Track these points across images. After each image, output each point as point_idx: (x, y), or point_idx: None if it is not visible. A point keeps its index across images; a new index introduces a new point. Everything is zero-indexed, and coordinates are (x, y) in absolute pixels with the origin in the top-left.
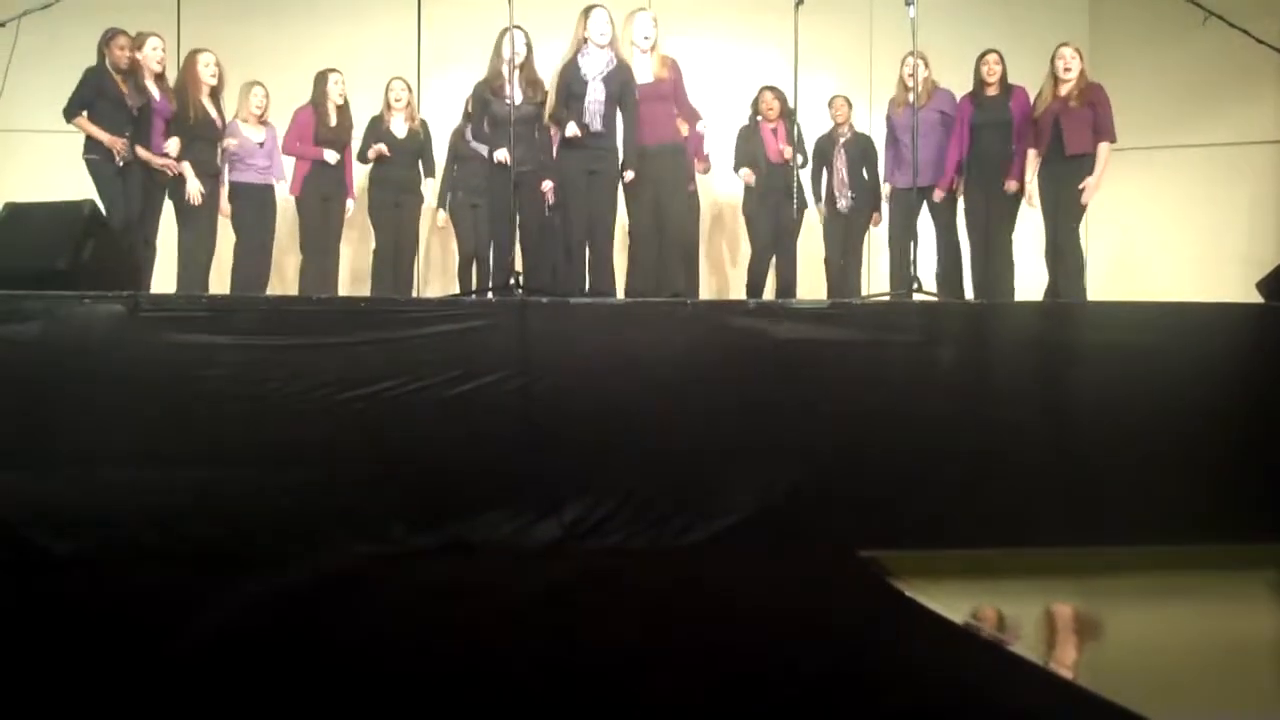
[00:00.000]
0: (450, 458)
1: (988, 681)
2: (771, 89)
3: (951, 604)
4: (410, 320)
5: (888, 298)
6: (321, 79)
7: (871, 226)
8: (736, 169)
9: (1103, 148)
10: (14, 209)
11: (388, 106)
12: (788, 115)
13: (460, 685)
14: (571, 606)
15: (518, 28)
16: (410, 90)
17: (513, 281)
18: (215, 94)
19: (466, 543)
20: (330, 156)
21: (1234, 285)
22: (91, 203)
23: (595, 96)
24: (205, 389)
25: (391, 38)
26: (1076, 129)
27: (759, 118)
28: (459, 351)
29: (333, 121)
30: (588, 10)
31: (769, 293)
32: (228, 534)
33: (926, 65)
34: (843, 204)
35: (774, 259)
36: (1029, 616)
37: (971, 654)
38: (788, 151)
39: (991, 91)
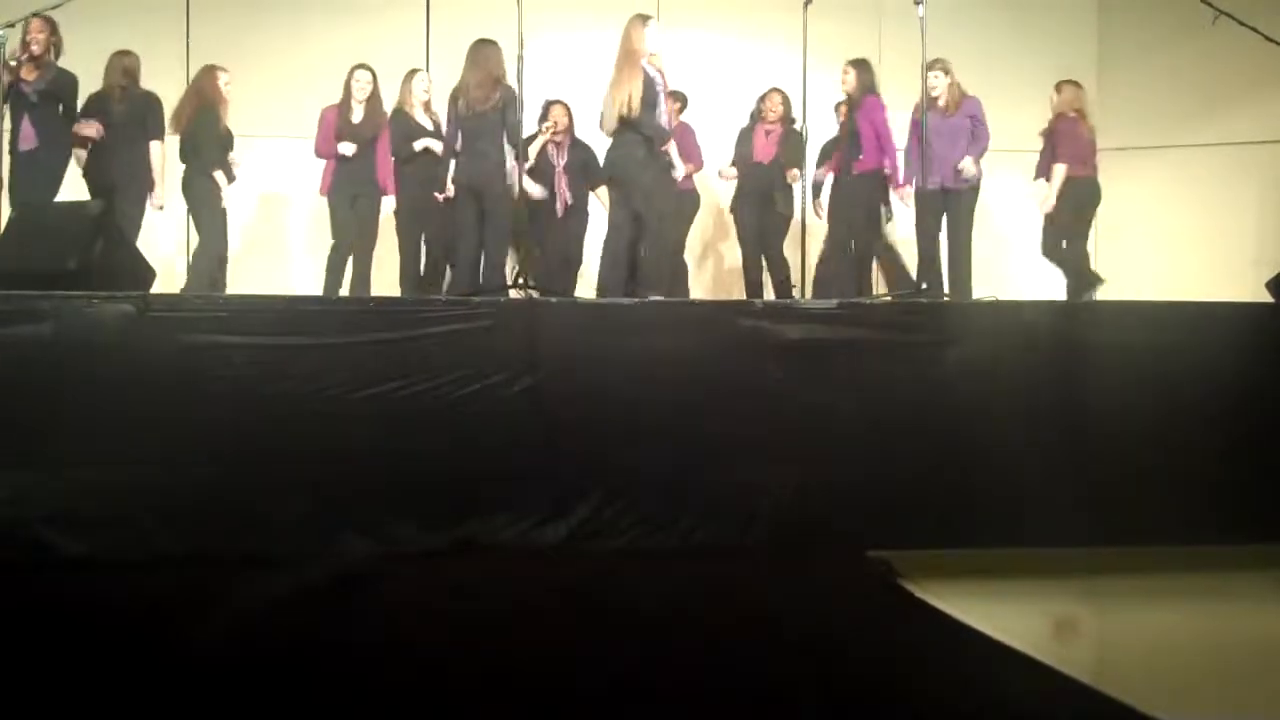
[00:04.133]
0: (459, 458)
1: (997, 681)
2: (779, 90)
3: (961, 604)
4: (419, 320)
5: (896, 297)
6: (349, 76)
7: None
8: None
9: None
10: (24, 209)
11: (412, 99)
12: (787, 120)
13: (468, 684)
14: (579, 607)
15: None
16: (431, 83)
17: (521, 281)
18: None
19: (475, 543)
20: (345, 149)
21: (1243, 284)
22: (101, 202)
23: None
24: (215, 389)
25: (400, 39)
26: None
27: (760, 118)
28: (467, 351)
29: (356, 117)
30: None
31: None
32: (238, 534)
33: (950, 74)
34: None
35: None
36: (1038, 615)
37: (981, 654)
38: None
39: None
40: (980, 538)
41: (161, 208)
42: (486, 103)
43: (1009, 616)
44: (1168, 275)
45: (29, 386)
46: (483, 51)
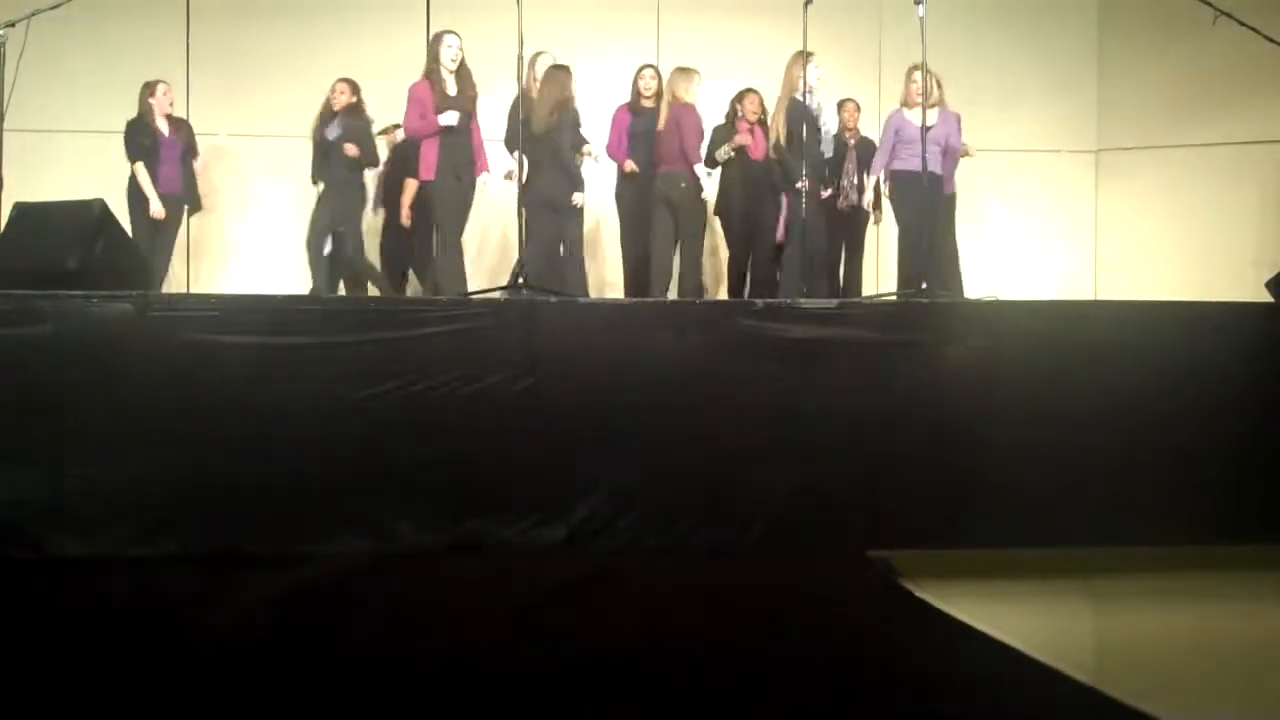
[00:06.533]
0: (458, 457)
1: (997, 681)
2: (755, 91)
3: (961, 604)
4: (418, 319)
5: (894, 297)
6: (434, 43)
7: (874, 225)
8: (708, 163)
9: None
10: (24, 209)
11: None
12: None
13: (467, 683)
14: (579, 606)
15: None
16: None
17: (520, 280)
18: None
19: (474, 542)
20: (448, 118)
21: (1243, 284)
22: (101, 202)
23: None
24: (215, 388)
25: (400, 40)
26: None
27: (740, 118)
28: (467, 351)
29: (450, 89)
30: None
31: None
32: (237, 533)
33: (939, 85)
34: (845, 204)
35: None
36: (1038, 615)
37: (981, 653)
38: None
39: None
40: (980, 538)
41: (157, 216)
42: (550, 123)
43: (1009, 616)
44: (1168, 275)
45: (29, 386)
46: (556, 77)
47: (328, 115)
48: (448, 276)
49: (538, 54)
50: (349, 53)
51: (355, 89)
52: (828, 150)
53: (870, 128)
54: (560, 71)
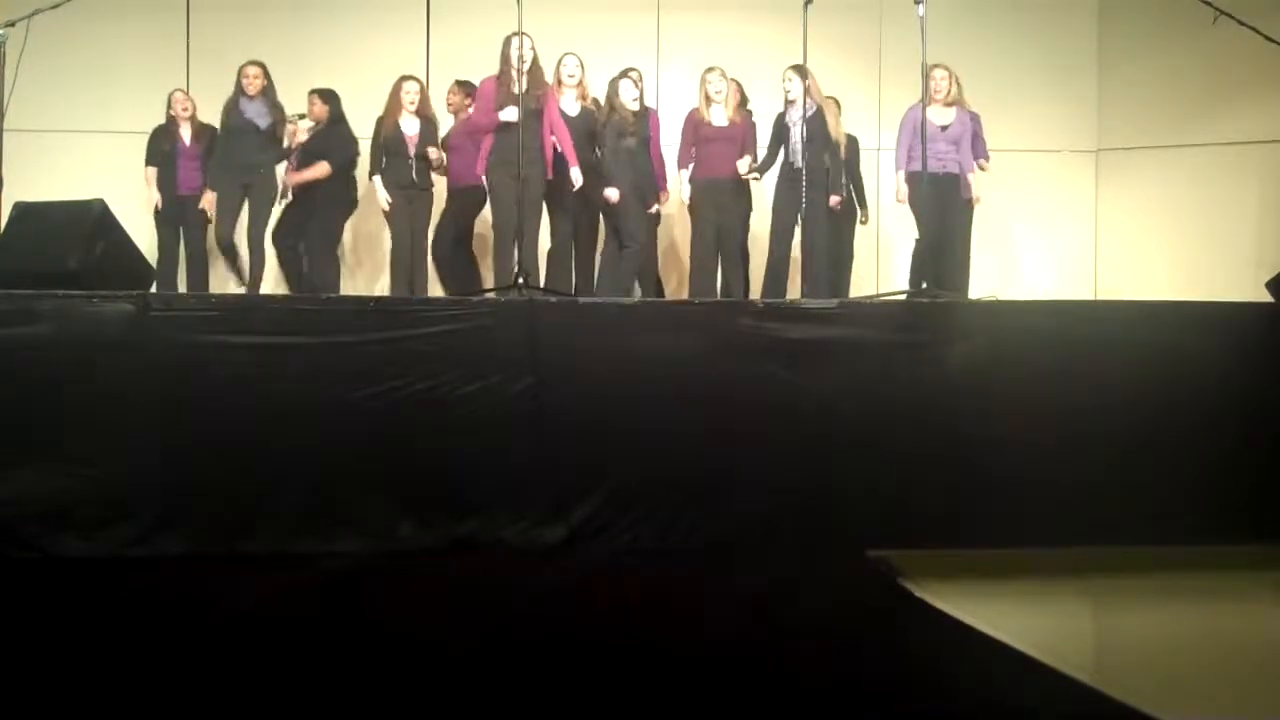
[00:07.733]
0: (459, 457)
1: (997, 681)
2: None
3: (960, 603)
4: (419, 319)
5: (895, 297)
6: (506, 43)
7: (859, 225)
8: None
9: None
10: (25, 209)
11: (558, 82)
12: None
13: (466, 683)
14: (579, 606)
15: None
16: (583, 67)
17: (520, 280)
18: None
19: (474, 541)
20: (508, 114)
21: (1243, 284)
22: (101, 202)
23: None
24: (215, 389)
25: (399, 39)
26: None
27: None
28: (467, 351)
29: (518, 87)
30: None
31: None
32: (237, 533)
33: (958, 83)
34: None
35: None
36: (1038, 615)
37: (981, 653)
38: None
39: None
40: (980, 538)
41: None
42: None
43: (1009, 616)
44: (1168, 275)
45: (29, 386)
46: (613, 84)
47: (240, 98)
48: (462, 276)
49: (565, 54)
50: (349, 52)
51: (267, 73)
52: (796, 159)
53: (857, 127)
54: (621, 80)
